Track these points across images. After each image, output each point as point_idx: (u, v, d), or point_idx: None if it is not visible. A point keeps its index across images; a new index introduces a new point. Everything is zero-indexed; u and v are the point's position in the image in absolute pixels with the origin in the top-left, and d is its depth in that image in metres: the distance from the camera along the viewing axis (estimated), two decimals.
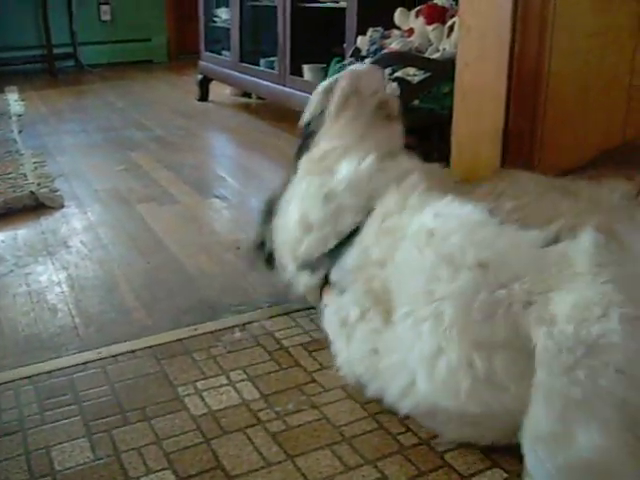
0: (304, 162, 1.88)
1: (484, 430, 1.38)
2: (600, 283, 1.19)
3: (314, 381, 1.67)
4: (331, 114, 1.92)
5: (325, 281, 1.72)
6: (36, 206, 2.96)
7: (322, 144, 1.88)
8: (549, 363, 1.17)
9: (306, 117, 2.00)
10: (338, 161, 1.78)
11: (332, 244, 1.70)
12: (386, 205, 1.63)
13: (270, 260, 1.95)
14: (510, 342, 1.25)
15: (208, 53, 5.35)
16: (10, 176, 3.36)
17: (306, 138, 1.96)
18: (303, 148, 1.94)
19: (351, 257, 1.62)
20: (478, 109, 2.04)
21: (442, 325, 1.31)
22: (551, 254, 1.28)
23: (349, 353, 1.59)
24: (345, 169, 1.74)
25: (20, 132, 4.41)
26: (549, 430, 1.17)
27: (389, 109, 2.01)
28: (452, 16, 2.83)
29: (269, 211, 1.94)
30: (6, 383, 1.70)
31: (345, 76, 1.98)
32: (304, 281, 1.80)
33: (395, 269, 1.49)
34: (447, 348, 1.30)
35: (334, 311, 1.67)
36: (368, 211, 1.66)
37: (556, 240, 1.29)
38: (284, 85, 4.13)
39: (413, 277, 1.43)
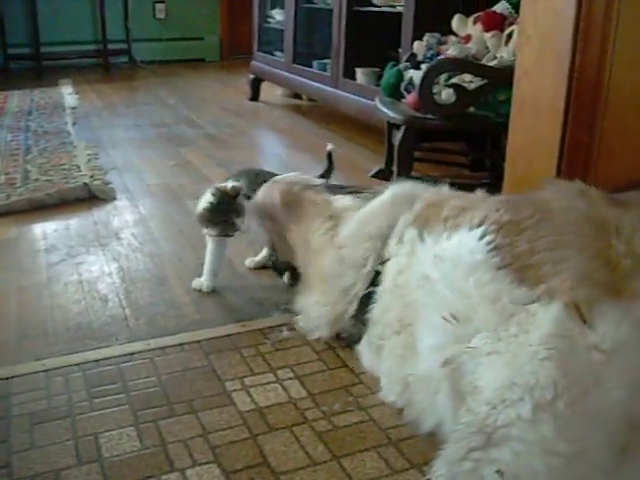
0: None
1: None
2: (538, 359, 1.16)
3: (361, 382, 1.67)
4: None
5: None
6: (88, 198, 3.01)
7: None
8: (454, 444, 1.19)
9: None
10: None
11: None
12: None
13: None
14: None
15: (261, 53, 5.38)
16: (64, 167, 3.42)
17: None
18: None
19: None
20: (535, 118, 2.02)
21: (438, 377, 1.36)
22: (521, 313, 1.26)
23: (384, 378, 1.62)
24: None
25: (74, 124, 4.48)
26: None
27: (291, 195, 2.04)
28: (510, 24, 2.81)
29: None
30: (56, 369, 1.73)
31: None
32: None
33: (412, 307, 1.53)
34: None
35: (365, 341, 1.72)
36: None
37: (537, 300, 1.26)
38: (336, 88, 4.13)
39: (420, 318, 1.47)
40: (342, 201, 1.94)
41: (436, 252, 1.49)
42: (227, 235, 2.06)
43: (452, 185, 1.82)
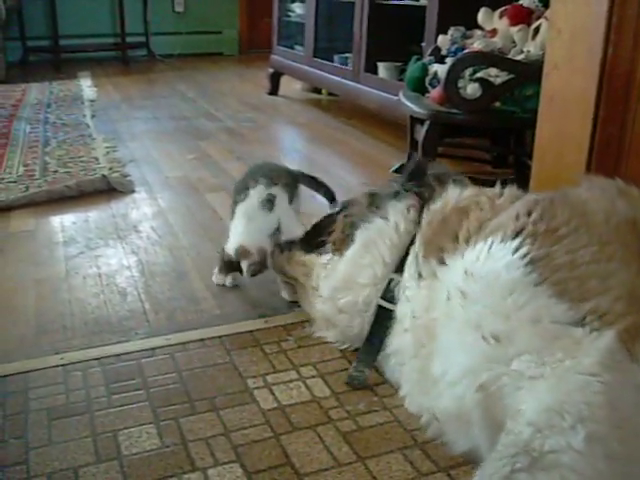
0: None
1: None
2: (591, 391, 1.10)
3: (385, 382, 1.63)
4: None
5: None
6: (107, 190, 2.98)
7: None
8: (494, 462, 1.14)
9: None
10: None
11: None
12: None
13: None
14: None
15: (280, 47, 5.34)
16: (82, 159, 3.40)
17: None
18: None
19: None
20: (565, 113, 1.98)
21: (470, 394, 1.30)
22: (565, 337, 1.18)
23: (407, 396, 1.55)
24: None
25: (93, 117, 4.47)
26: None
27: None
28: (537, 18, 2.76)
29: None
30: (74, 363, 1.70)
31: None
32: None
33: (437, 322, 1.45)
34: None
35: (390, 357, 1.64)
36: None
37: (582, 321, 1.18)
38: (358, 82, 4.09)
39: (448, 335, 1.39)
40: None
41: (467, 267, 1.39)
42: None
43: (475, 182, 1.75)
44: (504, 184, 1.64)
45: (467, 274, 1.38)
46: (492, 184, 1.69)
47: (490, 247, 1.37)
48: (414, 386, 1.51)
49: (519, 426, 1.13)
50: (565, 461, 1.07)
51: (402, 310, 1.59)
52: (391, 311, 1.62)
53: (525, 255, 1.29)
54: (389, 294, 1.64)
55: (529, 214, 1.37)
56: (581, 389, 1.11)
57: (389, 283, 1.64)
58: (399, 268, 1.65)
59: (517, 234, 1.34)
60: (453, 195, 1.63)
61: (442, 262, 1.49)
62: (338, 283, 1.75)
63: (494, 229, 1.41)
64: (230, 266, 2.04)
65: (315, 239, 1.93)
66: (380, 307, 1.64)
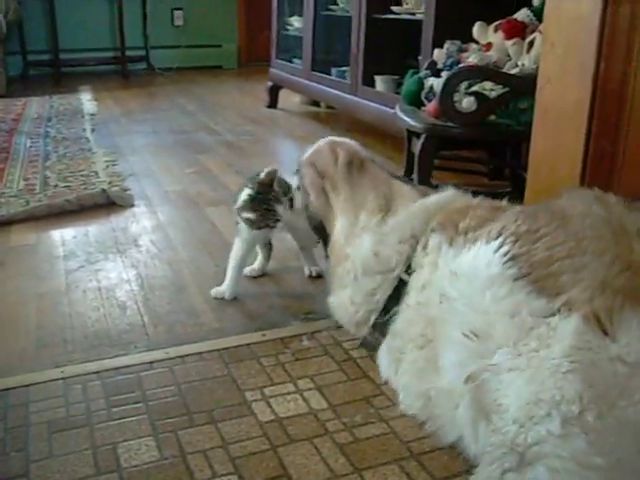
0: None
1: None
2: (561, 373, 1.13)
3: (382, 394, 1.64)
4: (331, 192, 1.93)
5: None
6: (107, 204, 3.01)
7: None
8: (487, 467, 1.17)
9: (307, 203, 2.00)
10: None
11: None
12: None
13: None
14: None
15: (279, 61, 5.38)
16: (82, 173, 3.43)
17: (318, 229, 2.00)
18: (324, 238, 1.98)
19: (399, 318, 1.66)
20: (558, 126, 2.00)
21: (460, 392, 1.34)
22: (541, 326, 1.23)
23: (402, 392, 1.59)
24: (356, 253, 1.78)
25: (92, 131, 4.50)
26: None
27: (358, 159, 1.96)
28: (532, 32, 2.78)
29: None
30: (74, 377, 1.72)
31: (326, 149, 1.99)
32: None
33: (433, 324, 1.50)
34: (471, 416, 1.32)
35: (386, 351, 1.69)
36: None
37: (557, 312, 1.23)
38: (355, 95, 4.12)
39: (441, 335, 1.44)
40: (399, 186, 1.88)
41: (452, 268, 1.46)
42: (269, 226, 2.04)
43: (471, 194, 1.79)
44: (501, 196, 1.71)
45: (451, 274, 1.45)
46: (490, 196, 1.74)
47: (475, 249, 1.43)
48: (414, 376, 1.53)
49: (504, 424, 1.16)
50: (547, 450, 1.09)
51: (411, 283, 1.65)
52: (406, 284, 1.67)
53: (506, 253, 1.35)
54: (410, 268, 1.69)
55: (515, 221, 1.44)
56: (553, 374, 1.14)
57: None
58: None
59: (499, 234, 1.40)
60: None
61: (442, 248, 1.56)
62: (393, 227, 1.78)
63: (481, 234, 1.46)
64: None
65: None
66: (401, 279, 1.69)
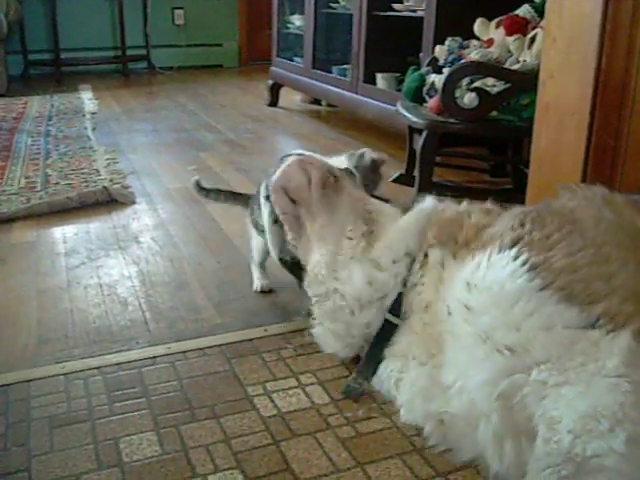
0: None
1: None
2: (621, 391, 1.11)
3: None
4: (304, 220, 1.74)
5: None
6: (108, 201, 3.01)
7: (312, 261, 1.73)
8: (539, 473, 1.15)
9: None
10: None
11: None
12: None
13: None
14: (528, 432, 1.22)
15: (280, 59, 5.38)
16: (83, 171, 3.42)
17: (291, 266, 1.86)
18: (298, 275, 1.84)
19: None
20: (560, 121, 2.00)
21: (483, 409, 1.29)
22: (582, 341, 1.19)
23: (404, 408, 1.54)
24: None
25: (94, 129, 4.50)
26: None
27: (332, 176, 1.75)
28: (533, 27, 2.78)
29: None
30: (76, 372, 1.71)
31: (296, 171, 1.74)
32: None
33: (439, 338, 1.45)
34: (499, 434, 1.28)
35: (385, 366, 1.62)
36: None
37: (595, 323, 1.19)
38: (356, 93, 4.12)
39: (458, 350, 1.37)
40: (377, 204, 1.75)
41: (468, 279, 1.37)
42: None
43: (473, 191, 1.76)
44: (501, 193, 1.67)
45: (470, 286, 1.36)
46: (491, 193, 1.72)
47: (489, 257, 1.36)
48: (417, 394, 1.49)
49: (557, 434, 1.13)
50: (609, 464, 1.08)
51: (410, 302, 1.57)
52: (396, 325, 1.59)
53: (525, 262, 1.29)
54: (395, 308, 1.60)
55: (522, 225, 1.39)
56: (611, 391, 1.12)
57: (398, 297, 1.60)
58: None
59: (514, 243, 1.35)
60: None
61: (445, 262, 1.50)
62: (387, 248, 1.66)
63: (488, 241, 1.41)
64: None
65: None
66: (386, 320, 1.60)
